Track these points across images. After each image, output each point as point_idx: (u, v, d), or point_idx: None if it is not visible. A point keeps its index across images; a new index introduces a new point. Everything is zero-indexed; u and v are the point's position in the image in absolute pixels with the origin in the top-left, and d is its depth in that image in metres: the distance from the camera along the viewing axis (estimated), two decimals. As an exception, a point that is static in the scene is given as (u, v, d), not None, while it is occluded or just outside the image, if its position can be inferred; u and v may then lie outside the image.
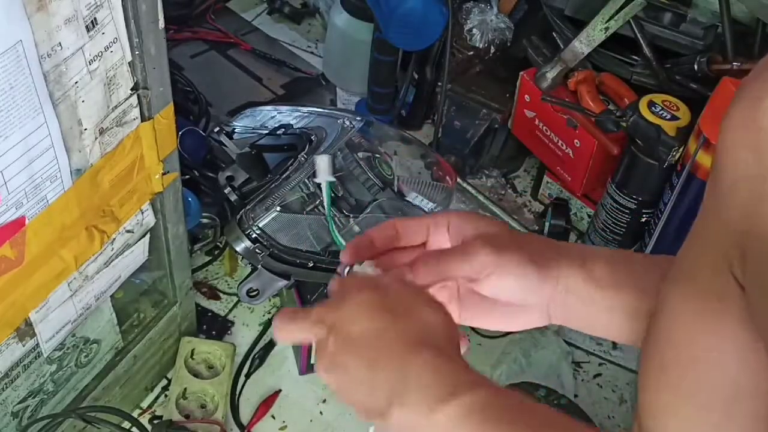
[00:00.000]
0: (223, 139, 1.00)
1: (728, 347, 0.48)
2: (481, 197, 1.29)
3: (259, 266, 0.91)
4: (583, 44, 1.10)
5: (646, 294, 0.59)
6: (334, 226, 0.88)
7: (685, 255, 0.50)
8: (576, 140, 1.15)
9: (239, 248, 0.91)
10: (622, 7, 1.07)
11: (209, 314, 1.13)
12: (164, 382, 1.05)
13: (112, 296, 0.86)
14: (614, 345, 1.16)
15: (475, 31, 1.25)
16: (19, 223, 0.64)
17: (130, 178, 0.75)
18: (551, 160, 1.22)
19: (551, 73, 1.13)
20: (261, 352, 1.10)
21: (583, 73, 1.13)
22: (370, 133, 1.00)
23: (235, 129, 1.06)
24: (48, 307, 0.74)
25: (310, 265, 0.89)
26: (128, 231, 0.80)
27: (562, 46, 1.13)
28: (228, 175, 0.98)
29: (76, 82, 0.62)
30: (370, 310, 0.53)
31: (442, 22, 1.15)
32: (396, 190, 0.93)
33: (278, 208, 0.89)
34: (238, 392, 1.05)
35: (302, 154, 0.94)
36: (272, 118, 1.06)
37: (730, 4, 1.03)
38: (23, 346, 0.74)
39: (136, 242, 0.83)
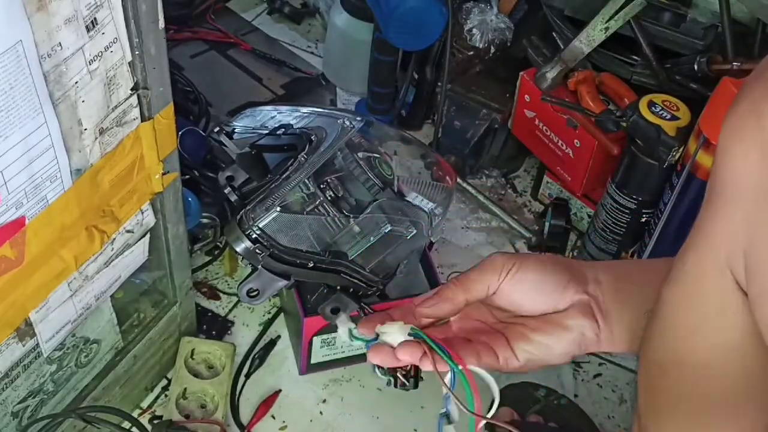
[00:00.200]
0: (223, 139, 1.00)
1: (729, 352, 0.48)
2: (481, 197, 1.29)
3: (259, 266, 0.91)
4: (583, 44, 1.10)
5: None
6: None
7: (685, 256, 0.50)
8: (576, 140, 1.15)
9: (239, 248, 0.91)
10: (622, 7, 1.07)
11: (209, 314, 1.13)
12: (164, 382, 1.05)
13: (112, 296, 0.86)
14: (614, 345, 1.16)
15: (475, 31, 1.25)
16: (19, 223, 0.64)
17: (130, 178, 0.75)
18: (551, 160, 1.22)
19: (551, 73, 1.13)
20: (261, 352, 1.10)
21: (583, 73, 1.13)
22: (370, 133, 1.00)
23: (235, 129, 1.06)
24: (48, 307, 0.74)
25: (311, 265, 0.88)
26: (128, 231, 0.80)
27: (562, 46, 1.13)
28: (228, 175, 0.98)
29: (76, 82, 0.62)
30: None
31: (442, 22, 1.15)
32: (396, 190, 0.93)
33: (278, 209, 0.89)
34: (238, 392, 1.05)
35: (302, 154, 0.94)
36: (272, 118, 1.06)
37: (730, 4, 1.03)
38: (23, 346, 0.74)
39: (136, 242, 0.83)
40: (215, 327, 1.12)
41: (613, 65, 1.14)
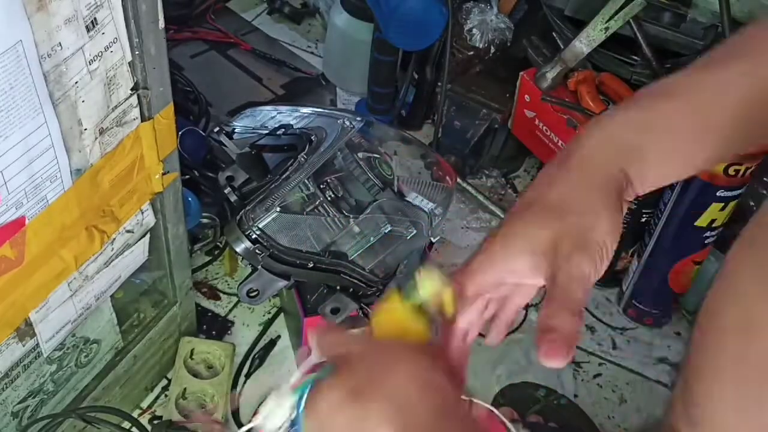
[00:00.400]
0: (223, 139, 1.00)
1: None
2: (481, 197, 1.29)
3: (259, 267, 0.91)
4: (583, 44, 1.10)
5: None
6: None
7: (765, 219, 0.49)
8: (576, 140, 1.15)
9: (239, 249, 0.91)
10: (622, 7, 1.07)
11: (209, 314, 1.13)
12: (164, 382, 1.05)
13: (112, 296, 0.86)
14: (614, 345, 1.16)
15: (475, 31, 1.25)
16: (19, 223, 0.64)
17: (130, 178, 0.75)
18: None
19: (551, 73, 1.13)
20: (261, 352, 1.10)
21: (583, 73, 1.13)
22: (370, 133, 1.00)
23: (235, 129, 1.06)
24: (48, 307, 0.74)
25: (310, 265, 0.88)
26: (128, 231, 0.80)
27: (562, 46, 1.13)
28: (228, 175, 0.98)
29: (76, 82, 0.62)
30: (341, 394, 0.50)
31: (442, 22, 1.15)
32: (396, 190, 0.93)
33: (278, 209, 0.89)
34: (238, 392, 1.05)
35: (302, 154, 0.94)
36: (272, 118, 1.06)
37: (730, 4, 1.03)
38: (23, 346, 0.74)
39: (136, 242, 0.83)
40: (215, 327, 1.12)
41: (613, 65, 1.14)
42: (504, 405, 1.05)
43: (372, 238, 0.89)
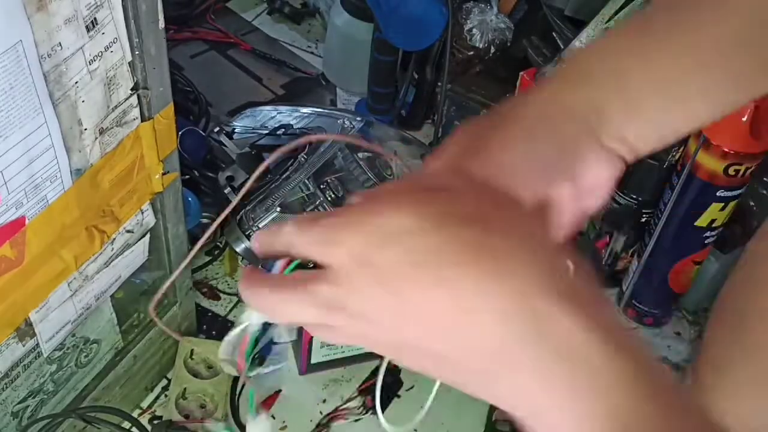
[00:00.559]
0: (223, 139, 1.00)
1: None
2: (481, 197, 1.29)
3: (259, 267, 0.91)
4: (583, 44, 1.10)
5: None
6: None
7: None
8: (576, 140, 1.15)
9: (239, 249, 0.91)
10: (622, 7, 1.07)
11: (209, 314, 1.13)
12: (164, 382, 1.05)
13: (112, 296, 0.86)
14: (614, 345, 1.16)
15: (475, 31, 1.25)
16: (19, 223, 0.64)
17: (130, 178, 0.75)
18: (551, 160, 1.22)
19: (551, 73, 1.13)
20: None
21: (583, 73, 1.13)
22: (370, 133, 1.00)
23: (235, 129, 1.06)
24: (48, 307, 0.74)
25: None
26: (128, 231, 0.80)
27: (562, 46, 1.13)
28: (228, 175, 0.98)
29: (76, 82, 0.62)
30: (438, 216, 0.34)
31: (442, 22, 1.15)
32: (396, 190, 0.93)
33: (278, 209, 0.89)
34: (238, 392, 1.05)
35: (302, 154, 0.94)
36: (272, 118, 1.07)
37: (730, 4, 1.03)
38: (23, 346, 0.74)
39: (136, 242, 0.83)
40: (215, 327, 1.12)
41: (613, 65, 1.14)
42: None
43: (372, 238, 0.89)
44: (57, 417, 0.85)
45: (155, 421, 0.99)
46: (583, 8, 1.15)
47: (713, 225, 1.02)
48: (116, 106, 0.68)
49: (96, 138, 0.68)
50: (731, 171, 0.96)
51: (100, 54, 0.63)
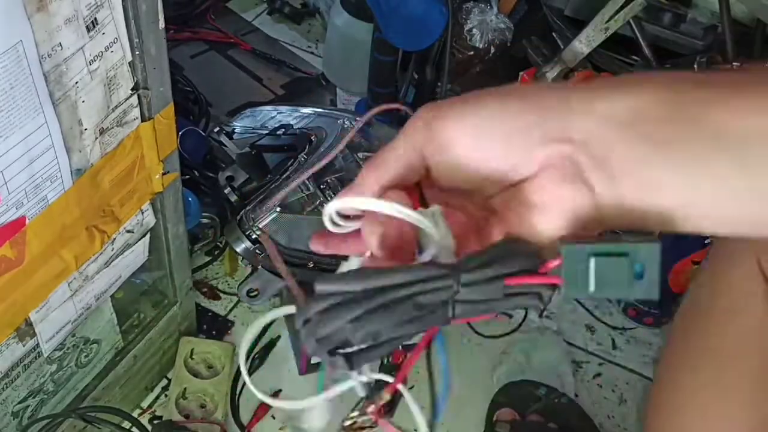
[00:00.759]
0: (223, 139, 1.00)
1: (752, 342, 0.47)
2: (481, 197, 1.29)
3: (259, 267, 0.91)
4: (583, 44, 1.10)
5: None
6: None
7: (718, 252, 0.50)
8: (576, 140, 1.15)
9: (239, 249, 0.91)
10: (622, 7, 1.07)
11: (209, 314, 1.13)
12: (164, 382, 1.05)
13: (112, 296, 0.86)
14: (614, 345, 1.16)
15: (475, 31, 1.25)
16: (19, 223, 0.64)
17: (131, 178, 0.75)
18: (551, 160, 1.22)
19: (551, 73, 1.13)
20: (261, 352, 1.10)
21: (583, 73, 1.13)
22: (370, 133, 1.00)
23: (235, 129, 1.06)
24: (48, 307, 0.74)
25: (310, 265, 0.89)
26: (128, 231, 0.80)
27: (562, 46, 1.13)
28: (228, 175, 0.98)
29: (76, 83, 0.62)
30: None
31: (442, 22, 1.15)
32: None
33: (278, 209, 0.89)
34: (238, 392, 1.05)
35: (302, 154, 0.94)
36: (272, 118, 1.06)
37: (730, 4, 1.03)
38: (23, 346, 0.74)
39: (136, 242, 0.83)
40: (215, 327, 1.12)
41: (613, 65, 1.14)
42: (505, 404, 1.05)
43: (372, 238, 0.89)
44: (57, 417, 0.85)
45: (155, 421, 0.99)
46: (583, 8, 1.15)
47: (713, 225, 1.02)
48: (116, 106, 0.68)
49: (96, 138, 0.68)
50: (731, 171, 0.96)
51: (100, 54, 0.63)
